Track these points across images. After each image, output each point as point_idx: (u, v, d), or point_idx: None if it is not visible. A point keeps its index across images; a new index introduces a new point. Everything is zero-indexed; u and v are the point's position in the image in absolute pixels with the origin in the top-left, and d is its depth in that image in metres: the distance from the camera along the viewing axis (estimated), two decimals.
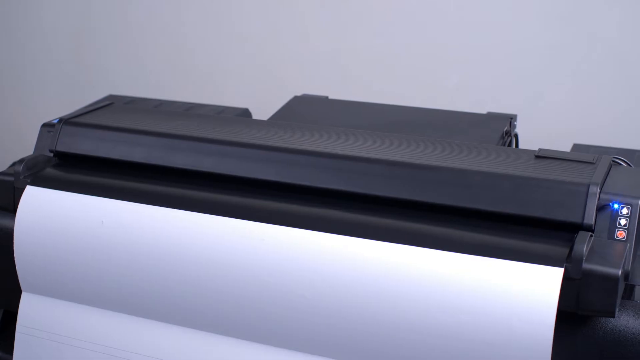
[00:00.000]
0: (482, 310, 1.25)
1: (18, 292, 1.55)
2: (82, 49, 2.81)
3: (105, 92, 2.34)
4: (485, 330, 1.25)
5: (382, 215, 1.37)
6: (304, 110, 1.89)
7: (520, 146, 1.84)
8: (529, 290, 1.23)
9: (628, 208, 1.29)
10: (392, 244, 1.30)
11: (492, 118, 1.81)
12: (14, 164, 1.56)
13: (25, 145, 1.99)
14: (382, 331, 1.30)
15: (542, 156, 1.43)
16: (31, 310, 1.54)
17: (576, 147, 1.84)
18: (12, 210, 1.53)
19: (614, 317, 1.27)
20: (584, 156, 1.42)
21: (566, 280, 1.23)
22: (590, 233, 1.27)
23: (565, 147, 1.83)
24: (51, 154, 1.60)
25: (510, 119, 1.79)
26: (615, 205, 1.29)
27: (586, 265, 1.22)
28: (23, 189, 1.51)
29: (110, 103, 1.74)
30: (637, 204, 1.29)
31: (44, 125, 1.65)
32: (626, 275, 1.29)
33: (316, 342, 1.36)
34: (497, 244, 1.28)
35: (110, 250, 1.44)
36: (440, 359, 1.29)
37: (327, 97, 1.97)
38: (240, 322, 1.39)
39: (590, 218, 1.29)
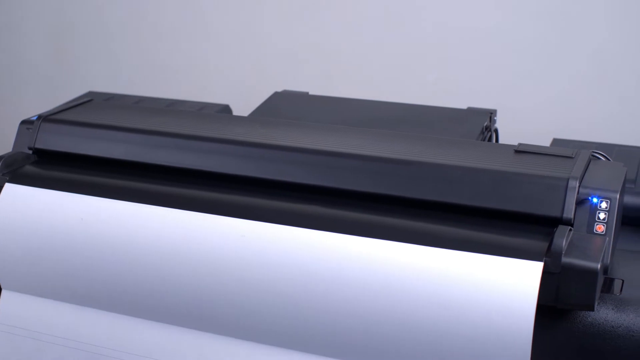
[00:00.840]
0: (462, 304, 1.26)
1: None
2: (61, 46, 2.79)
3: (85, 88, 2.33)
4: (466, 325, 1.25)
5: (362, 211, 1.37)
6: (284, 106, 1.89)
7: (500, 141, 1.85)
8: (509, 284, 1.24)
9: (607, 202, 1.30)
10: (373, 240, 1.30)
11: (472, 113, 1.81)
12: None
13: (4, 142, 1.98)
14: (363, 326, 1.30)
15: (521, 151, 1.43)
16: (11, 308, 1.53)
17: (556, 142, 1.85)
18: None
19: (593, 310, 1.27)
20: (563, 151, 1.42)
21: (545, 274, 1.23)
22: (569, 227, 1.27)
23: (545, 141, 1.84)
24: (30, 151, 1.59)
25: (490, 114, 1.79)
26: (594, 199, 1.30)
27: (565, 259, 1.23)
28: (2, 187, 1.50)
29: (89, 100, 1.73)
30: (616, 198, 1.30)
31: (23, 122, 1.64)
32: (605, 269, 1.30)
33: (300, 339, 1.36)
34: (476, 239, 1.28)
35: (90, 248, 1.44)
36: (421, 353, 1.30)
37: (307, 93, 1.97)
38: (218, 318, 1.39)
39: (569, 212, 1.29)
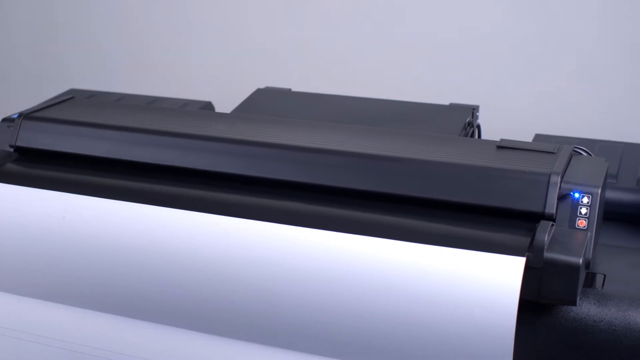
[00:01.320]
0: (444, 300, 1.26)
1: None
2: (42, 43, 2.78)
3: (66, 86, 2.32)
4: (448, 320, 1.26)
5: (345, 208, 1.37)
6: (267, 103, 1.89)
7: (483, 137, 1.85)
8: (491, 279, 1.24)
9: (589, 197, 1.30)
10: (355, 236, 1.30)
11: (455, 109, 1.81)
12: None
13: None
14: (345, 321, 1.30)
15: (503, 146, 1.43)
16: None
17: (538, 137, 1.86)
18: None
19: (575, 305, 1.28)
20: (545, 146, 1.43)
21: (528, 269, 1.24)
22: (551, 222, 1.28)
23: (527, 137, 1.85)
24: (11, 150, 1.58)
25: (473, 110, 1.80)
26: (576, 195, 1.30)
27: (547, 254, 1.23)
28: None
29: (71, 97, 1.72)
30: (598, 193, 1.30)
31: (4, 120, 1.63)
32: (587, 264, 1.30)
33: (281, 334, 1.36)
34: (459, 234, 1.29)
35: (72, 246, 1.43)
36: (404, 349, 1.30)
37: (290, 90, 1.97)
38: (198, 314, 1.39)
39: (551, 207, 1.30)
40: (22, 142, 1.57)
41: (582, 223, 1.30)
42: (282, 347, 1.37)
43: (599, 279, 1.36)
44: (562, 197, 1.30)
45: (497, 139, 1.46)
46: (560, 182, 1.31)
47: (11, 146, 1.58)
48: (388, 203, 1.37)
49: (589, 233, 1.30)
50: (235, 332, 1.38)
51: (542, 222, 1.27)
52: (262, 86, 1.99)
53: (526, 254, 1.23)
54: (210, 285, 1.36)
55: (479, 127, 1.83)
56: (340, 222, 1.34)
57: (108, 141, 1.53)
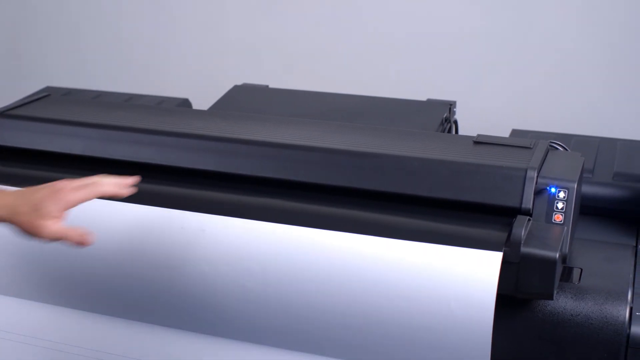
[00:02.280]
0: (423, 295, 1.26)
1: None
2: (17, 40, 2.76)
3: (42, 83, 2.30)
4: (427, 315, 1.26)
5: (322, 203, 1.37)
6: (244, 99, 1.88)
7: (460, 132, 1.86)
8: (469, 274, 1.24)
9: (565, 192, 1.31)
10: (332, 232, 1.30)
11: (432, 105, 1.82)
12: None
13: None
14: (322, 316, 1.31)
15: (480, 142, 1.44)
16: None
17: (515, 133, 1.86)
18: None
19: (552, 299, 1.29)
20: (522, 141, 1.43)
21: (505, 264, 1.24)
22: (528, 217, 1.28)
23: (504, 132, 1.85)
24: None
25: (450, 106, 1.80)
26: (553, 189, 1.31)
27: (524, 249, 1.24)
28: None
29: (47, 95, 1.71)
30: (574, 187, 1.31)
31: None
32: (564, 258, 1.31)
33: (255, 329, 1.36)
34: (436, 230, 1.29)
35: (48, 244, 1.42)
36: (382, 343, 1.30)
37: (267, 86, 1.97)
38: (174, 311, 1.39)
39: (528, 202, 1.30)
40: None
41: (558, 217, 1.31)
42: (253, 341, 1.37)
43: (575, 273, 1.37)
44: (539, 192, 1.31)
45: (474, 134, 1.47)
46: (537, 177, 1.31)
47: None
48: (366, 199, 1.37)
49: (566, 227, 1.30)
50: (203, 328, 1.38)
51: (519, 217, 1.27)
52: (239, 83, 1.98)
53: (503, 248, 1.24)
54: (203, 283, 1.36)
55: (456, 122, 1.84)
56: (318, 218, 1.34)
57: (84, 139, 1.52)
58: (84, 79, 2.57)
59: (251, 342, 1.37)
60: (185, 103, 1.97)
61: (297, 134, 1.48)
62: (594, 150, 1.76)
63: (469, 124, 1.89)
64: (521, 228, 1.24)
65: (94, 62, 2.65)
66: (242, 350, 1.38)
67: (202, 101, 1.99)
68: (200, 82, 2.48)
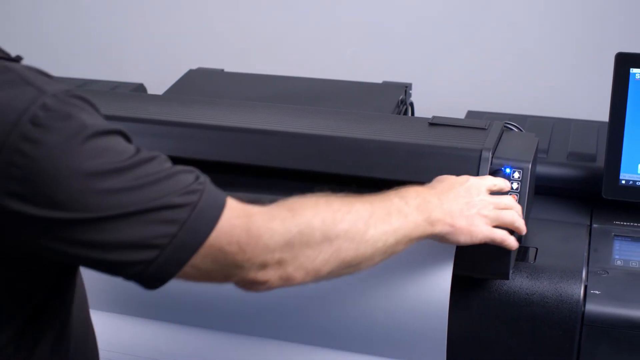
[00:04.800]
0: (378, 276, 1.27)
1: None
2: None
3: None
4: (382, 296, 1.26)
5: (277, 187, 1.37)
6: (199, 83, 1.87)
7: (416, 114, 1.86)
8: (424, 255, 1.25)
9: (519, 172, 1.32)
10: None
11: (388, 87, 1.82)
12: None
13: None
14: (276, 299, 1.31)
15: (435, 123, 1.44)
16: None
17: (470, 114, 1.87)
18: None
19: (508, 279, 1.30)
20: (476, 122, 1.44)
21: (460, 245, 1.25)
22: None
23: (460, 114, 1.86)
24: None
25: (406, 88, 1.81)
26: (507, 170, 1.32)
27: None
28: None
29: None
30: (528, 167, 1.32)
31: None
32: (519, 238, 1.32)
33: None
34: None
35: None
36: (337, 325, 1.31)
37: (222, 70, 1.96)
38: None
39: None
40: None
41: (513, 197, 1.32)
42: None
43: (531, 253, 1.38)
44: (494, 172, 1.31)
45: (430, 116, 1.47)
46: (492, 157, 1.32)
47: None
48: (322, 182, 1.37)
49: (521, 207, 1.31)
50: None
51: None
52: (194, 67, 1.97)
53: None
54: None
55: (412, 104, 1.84)
56: (274, 202, 1.33)
57: None
58: (36, 63, 2.53)
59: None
60: (140, 88, 1.95)
61: (252, 118, 1.47)
62: (548, 130, 1.77)
63: (425, 106, 1.90)
64: None
65: (46, 47, 2.62)
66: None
67: (157, 86, 1.97)
68: (154, 66, 2.46)
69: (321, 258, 1.05)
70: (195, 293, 1.35)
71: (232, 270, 1.00)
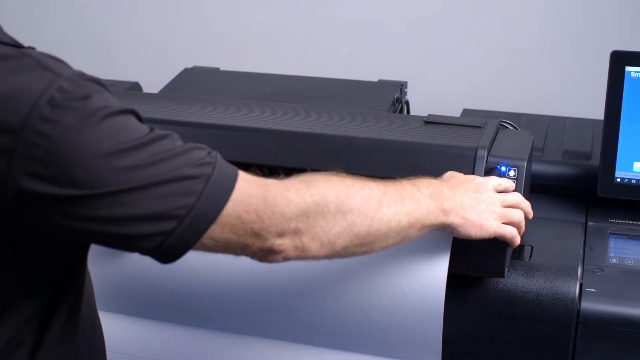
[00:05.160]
0: (374, 274, 1.27)
1: None
2: None
3: None
4: (378, 294, 1.26)
5: None
6: (195, 82, 1.87)
7: (412, 112, 1.86)
8: (420, 253, 1.25)
9: (515, 170, 1.32)
10: None
11: (383, 86, 1.82)
12: None
13: None
14: (270, 298, 1.31)
15: (431, 122, 1.44)
16: None
17: (466, 112, 1.87)
18: None
19: (503, 277, 1.30)
20: (472, 120, 1.44)
21: (456, 242, 1.25)
22: None
23: (456, 112, 1.86)
24: None
25: (401, 86, 1.80)
26: (503, 168, 1.32)
27: None
28: None
29: None
30: (524, 165, 1.32)
31: None
32: None
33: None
34: None
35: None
36: (331, 326, 1.31)
37: (218, 69, 1.95)
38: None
39: None
40: None
41: None
42: None
43: (526, 251, 1.38)
44: (489, 170, 1.32)
45: (426, 114, 1.47)
46: (487, 155, 1.32)
47: None
48: None
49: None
50: None
51: None
52: (189, 65, 1.97)
53: None
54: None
55: (407, 103, 1.84)
56: None
57: None
58: None
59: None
60: (135, 87, 1.95)
61: (248, 116, 1.47)
62: (543, 128, 1.78)
63: (420, 105, 1.89)
64: None
65: (41, 46, 2.61)
66: None
67: (152, 85, 1.97)
68: (150, 65, 2.46)
69: (335, 230, 1.06)
70: (190, 292, 1.35)
71: (250, 240, 1.02)
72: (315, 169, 1.36)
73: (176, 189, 0.97)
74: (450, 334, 1.30)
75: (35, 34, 2.61)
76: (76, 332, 1.13)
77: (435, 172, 1.30)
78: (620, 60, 1.54)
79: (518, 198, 1.27)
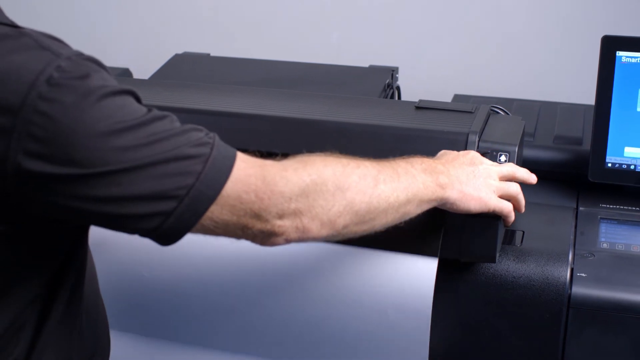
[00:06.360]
0: (364, 257, 1.27)
1: None
2: None
3: None
4: (367, 280, 1.27)
5: None
6: (185, 68, 1.86)
7: (403, 98, 1.86)
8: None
9: (506, 155, 1.32)
10: None
11: (374, 71, 1.81)
12: None
13: None
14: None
15: (422, 107, 1.44)
16: None
17: (457, 98, 1.87)
18: None
19: (495, 262, 1.30)
20: (463, 106, 1.44)
21: (447, 228, 1.25)
22: None
23: (447, 97, 1.86)
24: None
25: (392, 72, 1.80)
26: (494, 153, 1.32)
27: None
28: None
29: None
30: (515, 151, 1.32)
31: None
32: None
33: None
34: None
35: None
36: (323, 313, 1.31)
37: (209, 55, 1.95)
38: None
39: None
40: None
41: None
42: None
43: (517, 236, 1.39)
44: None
45: (417, 100, 1.47)
46: (479, 141, 1.32)
47: None
48: None
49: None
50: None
51: None
52: (180, 51, 1.96)
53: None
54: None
55: (398, 88, 1.84)
56: None
57: None
58: None
59: None
60: (125, 73, 1.94)
61: (239, 102, 1.47)
62: (535, 114, 1.78)
63: (411, 90, 1.89)
64: None
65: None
66: None
67: (143, 71, 1.96)
68: (140, 51, 2.45)
69: (335, 209, 1.06)
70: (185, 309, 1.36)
71: (250, 221, 1.02)
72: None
73: (175, 169, 0.97)
74: (441, 319, 1.31)
75: (26, 20, 2.60)
76: (78, 316, 1.14)
77: (427, 156, 1.29)
78: (611, 45, 1.54)
79: (513, 168, 1.27)
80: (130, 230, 1.00)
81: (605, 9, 2.09)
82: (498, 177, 1.24)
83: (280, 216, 1.03)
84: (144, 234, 1.00)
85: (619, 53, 1.54)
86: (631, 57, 1.53)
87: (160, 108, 1.42)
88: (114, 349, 1.28)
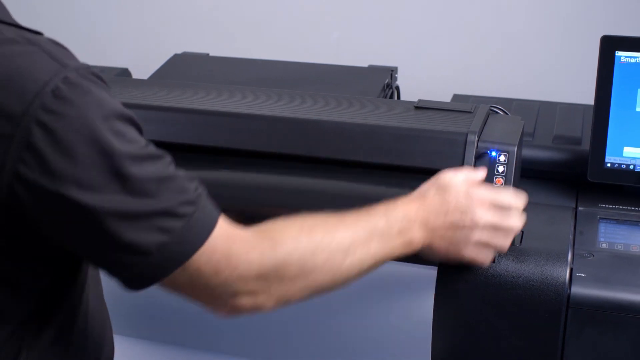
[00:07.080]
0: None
1: None
2: None
3: None
4: (367, 280, 1.26)
5: (264, 172, 1.37)
6: (184, 68, 1.86)
7: (402, 98, 1.86)
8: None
9: (505, 155, 1.32)
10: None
11: (373, 71, 1.81)
12: None
13: None
14: None
15: (421, 107, 1.44)
16: None
17: (456, 98, 1.87)
18: None
19: (494, 262, 1.30)
20: (462, 106, 1.44)
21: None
22: None
23: (446, 97, 1.86)
24: None
25: (391, 71, 1.80)
26: (493, 153, 1.32)
27: None
28: None
29: None
30: (514, 151, 1.32)
31: None
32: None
33: None
34: (378, 194, 1.29)
35: None
36: (323, 313, 1.31)
37: (208, 54, 1.95)
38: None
39: (469, 166, 1.31)
40: None
41: (499, 181, 1.32)
42: None
43: (517, 236, 1.38)
44: (480, 155, 1.32)
45: (416, 100, 1.47)
46: (478, 141, 1.32)
47: None
48: (307, 165, 1.37)
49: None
50: None
51: None
52: (179, 51, 1.96)
53: None
54: None
55: (397, 88, 1.84)
56: (259, 187, 1.33)
57: None
58: None
59: None
60: (124, 73, 1.94)
61: (238, 102, 1.47)
62: (534, 113, 1.78)
63: (410, 90, 1.89)
64: None
65: None
66: None
67: (142, 71, 1.96)
68: (139, 51, 2.45)
69: (293, 291, 1.06)
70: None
71: (203, 292, 1.01)
72: (306, 155, 1.37)
73: (158, 222, 0.95)
74: (440, 319, 1.31)
75: (26, 20, 2.60)
76: (73, 333, 1.12)
77: (426, 157, 1.30)
78: (610, 45, 1.54)
79: (517, 221, 1.26)
80: (99, 266, 1.00)
81: (604, 9, 2.09)
82: (492, 229, 1.23)
83: (235, 294, 1.02)
84: (110, 273, 0.99)
85: (618, 53, 1.54)
86: (630, 57, 1.53)
87: (159, 108, 1.44)
88: (117, 353, 1.28)
